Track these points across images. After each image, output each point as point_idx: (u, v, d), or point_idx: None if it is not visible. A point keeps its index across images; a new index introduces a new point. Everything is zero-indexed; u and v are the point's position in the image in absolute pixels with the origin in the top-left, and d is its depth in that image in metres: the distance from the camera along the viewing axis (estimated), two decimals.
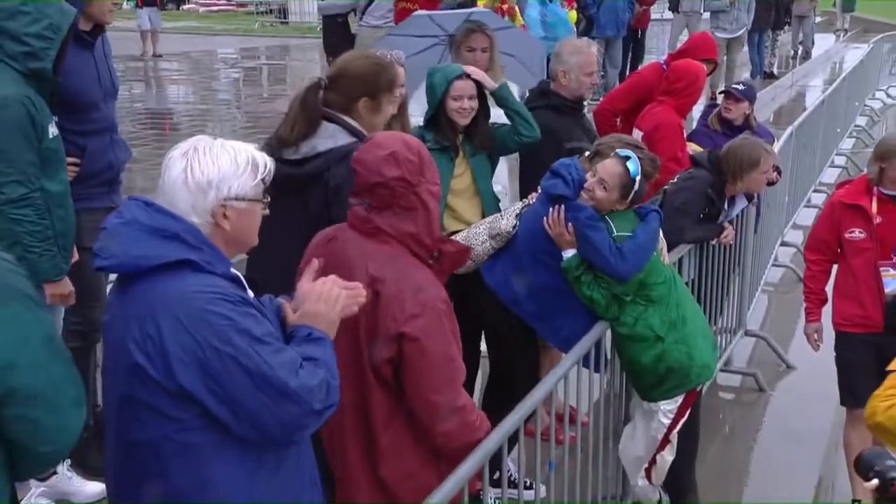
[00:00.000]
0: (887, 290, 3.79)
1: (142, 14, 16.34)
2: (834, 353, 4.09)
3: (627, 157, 3.23)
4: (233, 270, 2.00)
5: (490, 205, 3.87)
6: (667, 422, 3.40)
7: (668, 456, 3.47)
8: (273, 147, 2.98)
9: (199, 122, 11.42)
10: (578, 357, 3.05)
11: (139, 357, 1.89)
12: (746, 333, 5.62)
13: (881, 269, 3.81)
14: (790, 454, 4.53)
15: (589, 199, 3.25)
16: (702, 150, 4.77)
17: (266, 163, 2.04)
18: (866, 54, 13.58)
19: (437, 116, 3.76)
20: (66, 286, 3.21)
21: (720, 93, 5.27)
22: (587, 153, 3.45)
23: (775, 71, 15.45)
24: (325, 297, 2.08)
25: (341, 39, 9.17)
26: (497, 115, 3.89)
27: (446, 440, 2.38)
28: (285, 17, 25.01)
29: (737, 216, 4.65)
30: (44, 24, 3.02)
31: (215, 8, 28.51)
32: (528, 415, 2.64)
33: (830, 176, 9.96)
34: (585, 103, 4.45)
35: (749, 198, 4.57)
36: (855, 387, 3.88)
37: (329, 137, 2.97)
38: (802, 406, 4.99)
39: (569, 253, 3.27)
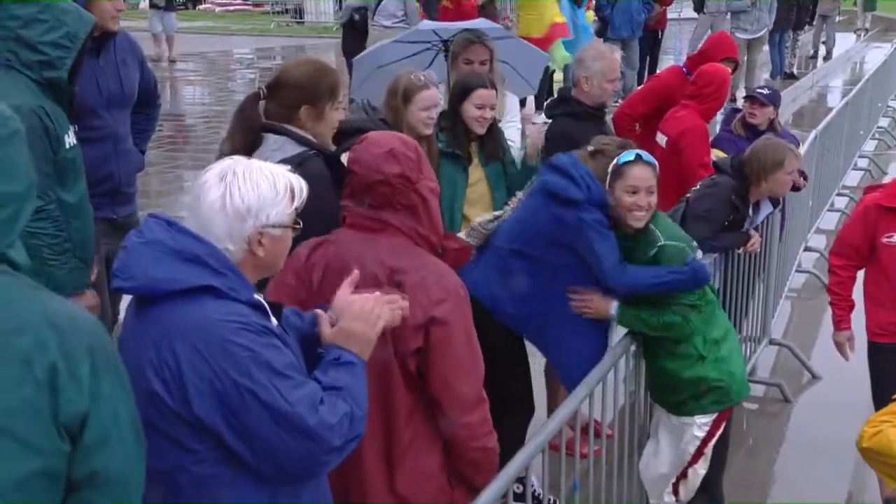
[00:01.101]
0: None
1: (153, 17, 15.92)
2: (868, 364, 3.96)
3: (639, 155, 3.22)
4: (256, 296, 1.93)
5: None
6: (702, 435, 3.32)
7: (700, 470, 3.40)
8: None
9: (215, 123, 11.39)
10: (604, 374, 2.97)
11: (156, 384, 1.83)
12: (770, 342, 5.51)
13: None
14: (816, 467, 4.42)
15: (644, 216, 3.17)
16: (725, 155, 4.69)
17: (302, 188, 1.98)
18: (889, 54, 13.38)
19: (453, 122, 3.70)
20: (89, 299, 3.16)
21: (744, 98, 5.16)
22: (589, 148, 3.35)
23: (795, 71, 15.28)
24: (364, 316, 2.02)
25: (356, 41, 9.13)
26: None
27: (468, 434, 2.33)
28: (301, 17, 25.00)
29: (762, 222, 4.56)
30: (61, 32, 2.98)
31: (231, 8, 28.53)
32: (553, 434, 2.56)
33: (853, 179, 9.81)
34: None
35: (774, 203, 4.48)
36: (888, 399, 3.78)
37: (277, 150, 2.84)
38: (828, 417, 4.87)
39: (613, 307, 3.22)
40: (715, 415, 3.32)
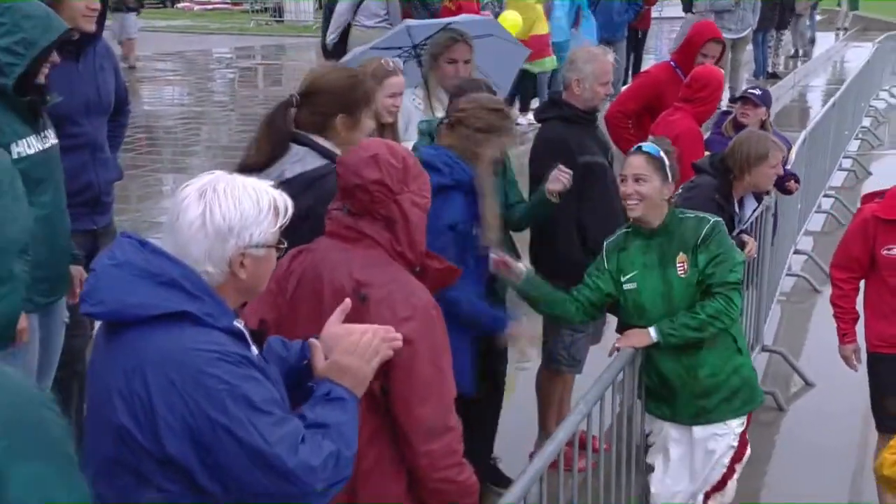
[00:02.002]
0: None
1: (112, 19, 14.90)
2: (868, 375, 3.88)
3: (640, 146, 3.17)
4: (236, 323, 1.79)
5: (507, 238, 3.66)
6: (736, 444, 3.27)
7: (735, 477, 3.37)
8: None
9: (195, 125, 11.22)
10: (602, 392, 2.86)
11: (125, 417, 1.69)
12: (763, 349, 5.43)
13: None
14: (813, 476, 4.33)
15: (637, 204, 3.13)
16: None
17: (287, 205, 1.85)
18: (872, 54, 13.40)
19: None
20: (21, 321, 2.84)
21: (737, 99, 5.07)
22: (446, 120, 3.24)
23: (779, 71, 15.28)
24: (360, 350, 1.89)
25: (339, 40, 8.97)
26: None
27: (429, 463, 2.16)
28: (280, 16, 24.79)
29: (753, 226, 4.47)
30: (16, 37, 2.81)
31: (210, 6, 28.26)
32: (551, 459, 2.45)
33: (838, 179, 9.79)
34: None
35: (758, 198, 4.39)
36: (890, 411, 3.71)
37: (297, 162, 2.71)
38: (823, 425, 4.80)
39: (652, 332, 3.16)
40: (745, 417, 3.30)
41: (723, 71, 4.74)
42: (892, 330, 3.69)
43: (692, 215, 3.29)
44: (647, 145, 3.21)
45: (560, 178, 3.47)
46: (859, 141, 11.66)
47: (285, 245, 1.87)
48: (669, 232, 3.22)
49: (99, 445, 1.76)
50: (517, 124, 10.49)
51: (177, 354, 1.69)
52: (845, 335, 3.86)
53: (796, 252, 7.17)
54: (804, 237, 7.66)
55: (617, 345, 3.19)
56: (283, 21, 24.49)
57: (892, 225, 3.64)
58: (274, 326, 2.29)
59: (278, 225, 1.83)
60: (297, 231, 2.36)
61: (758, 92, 5.10)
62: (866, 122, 12.55)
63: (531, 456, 4.11)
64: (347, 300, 2.03)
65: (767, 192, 4.52)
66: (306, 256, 2.32)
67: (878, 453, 3.89)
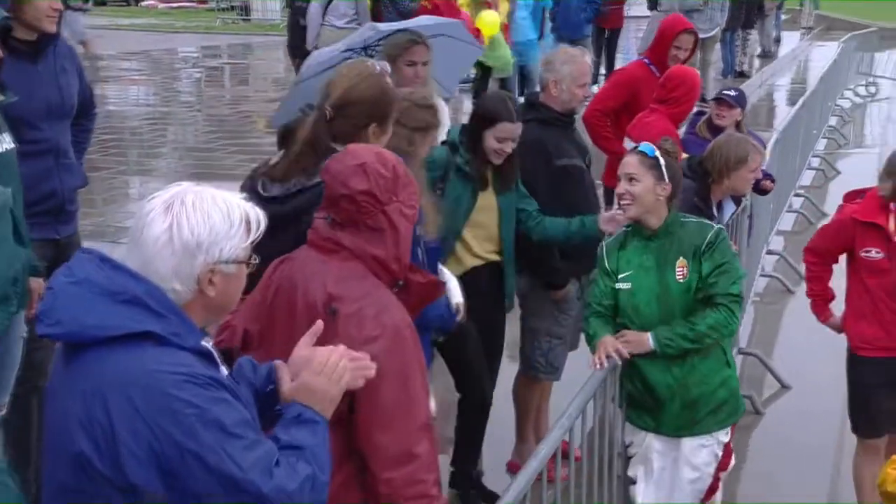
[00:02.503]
0: None
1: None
2: (847, 376, 3.85)
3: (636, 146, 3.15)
4: (204, 343, 1.70)
5: (510, 250, 3.64)
6: (720, 454, 3.25)
7: (718, 495, 3.35)
8: (255, 181, 2.70)
9: (161, 125, 11.03)
10: (584, 405, 2.78)
11: (84, 444, 1.59)
12: (739, 352, 5.41)
13: None
14: (794, 479, 4.30)
15: (629, 205, 3.12)
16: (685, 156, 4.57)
17: (259, 219, 1.76)
18: (838, 54, 13.53)
19: (473, 145, 3.52)
20: None
21: (711, 99, 5.04)
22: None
23: (746, 70, 15.37)
24: (327, 371, 1.79)
25: (304, 40, 8.88)
26: None
27: (390, 492, 2.06)
28: (247, 14, 24.55)
29: (729, 228, 4.43)
30: None
31: (175, 4, 27.92)
32: (536, 475, 2.37)
33: (807, 178, 9.84)
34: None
35: (737, 201, 4.36)
36: (871, 415, 3.69)
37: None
38: (800, 427, 4.78)
39: (649, 339, 3.11)
40: (729, 428, 3.29)
41: (697, 71, 4.69)
42: (871, 331, 3.67)
43: (694, 220, 3.26)
44: (644, 144, 3.18)
45: (616, 220, 3.38)
46: (826, 140, 11.76)
47: (257, 261, 1.78)
48: (669, 234, 3.16)
49: (56, 472, 1.66)
50: None
51: (140, 377, 1.59)
52: (822, 313, 3.88)
53: (768, 252, 7.18)
54: (776, 237, 7.68)
55: (614, 346, 3.08)
56: (249, 20, 24.25)
57: (870, 227, 3.62)
58: (257, 338, 2.21)
59: (250, 240, 1.74)
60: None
61: (733, 93, 5.07)
62: (832, 121, 12.67)
63: (508, 465, 4.06)
64: (319, 322, 1.93)
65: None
66: (286, 266, 2.24)
67: (857, 460, 3.89)
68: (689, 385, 3.17)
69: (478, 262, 3.58)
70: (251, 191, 2.75)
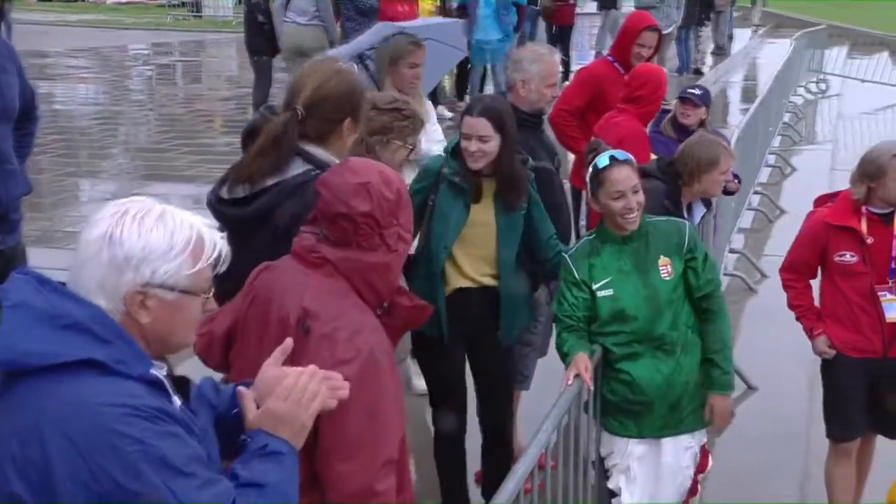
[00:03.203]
0: (889, 314, 3.53)
1: None
2: (822, 378, 3.81)
3: (613, 156, 3.11)
4: (153, 371, 1.55)
5: (509, 276, 3.33)
6: (699, 456, 3.23)
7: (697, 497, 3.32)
8: (221, 184, 2.59)
9: (112, 125, 10.74)
10: (559, 421, 2.69)
11: (17, 484, 1.44)
12: None
13: (879, 293, 3.54)
14: (762, 481, 4.28)
15: (637, 216, 3.09)
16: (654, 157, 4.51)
17: (216, 246, 1.60)
18: (792, 51, 13.67)
19: (458, 151, 3.29)
20: None
21: (676, 98, 4.99)
22: None
23: (700, 67, 15.47)
24: (296, 395, 1.66)
25: (266, 38, 8.72)
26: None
27: None
28: (199, 11, 24.16)
29: (698, 229, 4.38)
30: None
31: (124, 0, 27.37)
32: (515, 495, 2.27)
33: (763, 175, 9.90)
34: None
35: (707, 204, 4.32)
36: (846, 418, 3.66)
37: (286, 171, 2.55)
38: (769, 429, 4.76)
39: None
40: (705, 429, 3.28)
41: (664, 71, 4.64)
42: (847, 335, 3.63)
43: (663, 219, 3.25)
44: (620, 153, 3.13)
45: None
46: (780, 137, 11.86)
47: (209, 295, 1.63)
48: (642, 236, 3.14)
49: None
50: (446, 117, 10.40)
51: (80, 411, 1.44)
52: (815, 330, 3.74)
53: (731, 251, 7.18)
54: (737, 235, 7.69)
55: (585, 365, 3.00)
56: (201, 16, 23.86)
57: (843, 231, 3.58)
58: (233, 350, 2.08)
59: (197, 267, 1.57)
60: (284, 242, 2.21)
61: (697, 92, 5.05)
62: (786, 117, 12.79)
63: (476, 475, 3.95)
64: (289, 340, 1.80)
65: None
66: (266, 275, 2.12)
67: (829, 461, 3.86)
68: (675, 381, 3.14)
69: (468, 284, 3.33)
70: (214, 195, 2.62)
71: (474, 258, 3.33)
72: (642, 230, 3.14)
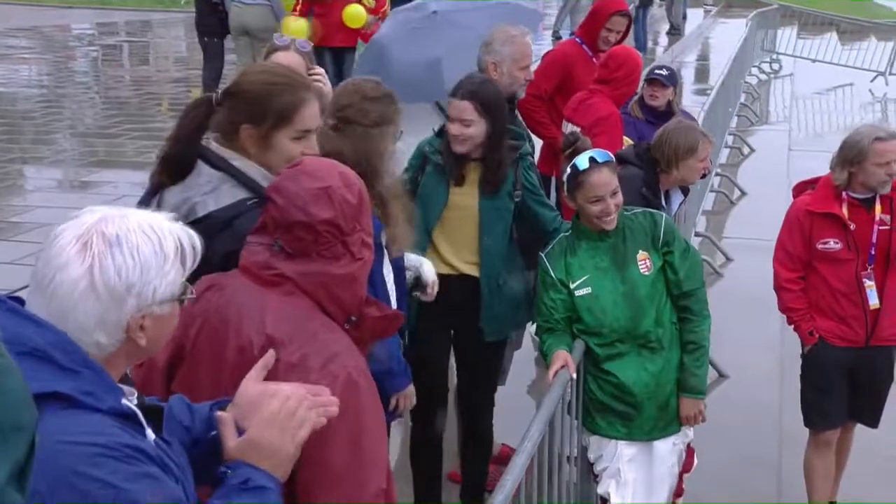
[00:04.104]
0: (872, 301, 3.47)
1: None
2: (801, 369, 3.74)
3: (593, 158, 2.98)
4: (125, 401, 1.38)
5: (492, 266, 3.20)
6: (685, 455, 3.17)
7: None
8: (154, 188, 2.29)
9: (56, 108, 10.35)
10: (543, 429, 2.56)
11: None
12: None
13: (863, 279, 3.48)
14: (739, 469, 4.23)
15: (615, 217, 3.00)
16: (629, 141, 4.40)
17: (194, 245, 1.45)
18: (748, 31, 13.72)
19: (444, 135, 3.16)
20: None
21: (644, 80, 4.87)
22: (330, 122, 2.67)
23: (651, 47, 15.46)
24: (281, 422, 1.50)
25: (219, 18, 8.48)
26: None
27: None
28: None
29: (674, 216, 4.29)
30: None
31: None
32: (513, 490, 2.15)
33: (723, 156, 9.90)
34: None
35: (685, 191, 4.23)
36: (825, 407, 3.60)
37: (209, 194, 2.16)
38: (743, 417, 4.70)
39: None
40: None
41: (639, 53, 4.52)
42: (830, 324, 3.57)
43: (639, 211, 3.14)
44: (600, 154, 3.02)
45: None
46: (737, 118, 11.88)
47: (192, 295, 1.48)
48: (620, 230, 3.04)
49: None
50: None
51: (43, 451, 1.26)
52: (811, 334, 3.62)
53: (696, 235, 7.14)
54: (699, 217, 7.66)
55: (565, 361, 2.90)
56: None
57: (826, 218, 3.51)
58: (179, 380, 1.87)
59: (187, 272, 1.44)
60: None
61: (665, 72, 4.96)
62: (741, 98, 12.82)
63: (450, 475, 3.82)
64: (271, 352, 1.63)
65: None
66: (214, 295, 1.89)
67: (808, 451, 3.81)
68: (663, 380, 3.06)
69: (447, 271, 3.19)
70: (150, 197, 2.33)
71: (455, 244, 3.21)
72: (619, 225, 3.05)
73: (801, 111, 13.54)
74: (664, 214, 3.16)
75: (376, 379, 1.89)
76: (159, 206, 2.27)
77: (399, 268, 2.93)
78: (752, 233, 7.60)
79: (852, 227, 3.46)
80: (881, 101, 14.67)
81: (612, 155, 3.05)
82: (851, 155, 3.42)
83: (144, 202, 2.31)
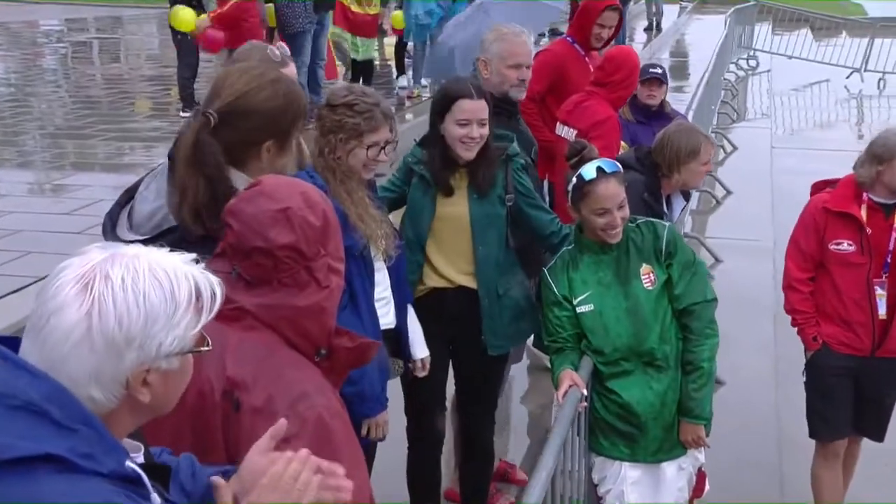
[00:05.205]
0: (880, 310, 3.37)
1: None
2: (806, 376, 3.64)
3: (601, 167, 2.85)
4: (129, 463, 1.22)
5: (489, 275, 3.04)
6: (695, 478, 3.03)
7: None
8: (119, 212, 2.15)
9: (24, 108, 10.06)
10: (559, 450, 2.42)
11: None
12: None
13: (875, 287, 3.38)
14: (739, 476, 4.13)
15: (620, 231, 2.87)
16: (625, 145, 4.29)
17: (214, 290, 1.29)
18: (728, 27, 13.69)
19: (433, 141, 2.98)
20: None
21: (640, 80, 4.74)
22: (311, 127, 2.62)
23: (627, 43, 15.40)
24: (284, 485, 1.35)
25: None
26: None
27: None
28: None
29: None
30: None
31: None
32: None
33: None
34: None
35: (686, 196, 4.11)
36: (830, 417, 3.50)
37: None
38: (741, 424, 4.61)
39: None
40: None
41: (637, 53, 4.40)
42: (836, 330, 3.47)
43: (642, 221, 2.99)
44: (607, 164, 2.89)
45: None
46: (718, 115, 11.84)
47: (209, 348, 1.32)
48: (623, 243, 2.90)
49: None
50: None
51: None
52: (815, 339, 3.52)
53: (685, 235, 7.05)
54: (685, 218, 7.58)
55: (572, 380, 2.77)
56: None
57: (842, 218, 3.40)
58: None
59: (202, 322, 1.27)
60: None
61: (660, 71, 4.86)
62: (721, 95, 12.79)
63: (446, 493, 3.68)
64: (283, 421, 1.46)
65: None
66: None
67: (815, 461, 3.71)
68: (668, 400, 2.92)
69: (443, 284, 3.06)
70: (111, 227, 2.18)
71: (449, 255, 3.06)
72: (622, 237, 2.91)
73: (780, 108, 13.54)
74: (667, 225, 3.03)
75: (345, 401, 1.76)
76: (130, 216, 2.16)
77: (399, 271, 2.79)
78: (738, 233, 7.54)
79: (868, 230, 3.36)
80: (857, 98, 14.76)
81: (619, 165, 2.91)
82: (881, 152, 3.31)
83: (114, 214, 2.20)
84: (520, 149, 3.26)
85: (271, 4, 8.43)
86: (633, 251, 2.91)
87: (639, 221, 2.99)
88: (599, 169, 2.85)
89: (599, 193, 2.82)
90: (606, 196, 2.82)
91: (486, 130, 2.96)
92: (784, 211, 7.77)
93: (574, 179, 2.87)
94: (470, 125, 2.93)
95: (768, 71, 15.98)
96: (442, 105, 2.98)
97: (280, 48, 3.20)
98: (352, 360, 1.81)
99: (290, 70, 2.98)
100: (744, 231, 7.61)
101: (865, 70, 15.45)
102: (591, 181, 2.83)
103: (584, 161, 2.89)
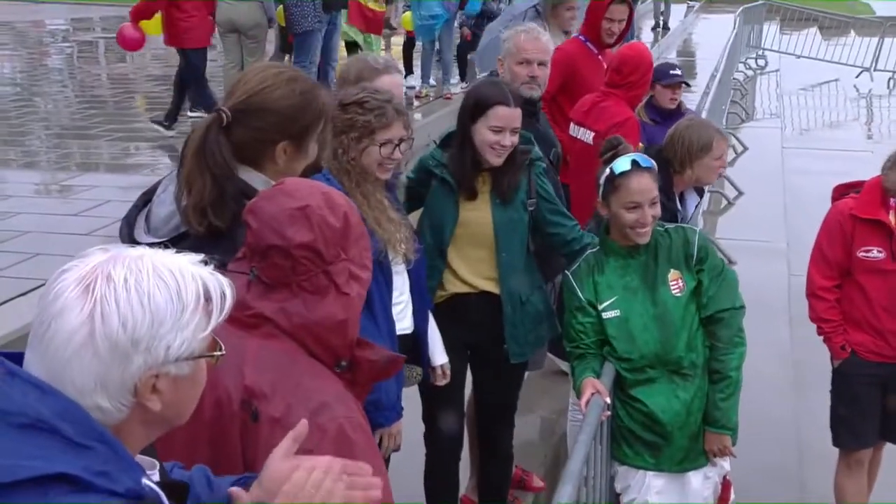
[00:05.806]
0: None
1: None
2: (832, 384, 3.56)
3: (636, 161, 2.79)
4: (146, 481, 1.16)
5: (512, 282, 2.97)
6: (720, 488, 2.97)
7: None
8: (136, 215, 2.10)
9: (30, 108, 10.01)
10: (585, 459, 2.36)
11: None
12: None
13: None
14: (758, 483, 4.05)
15: (650, 230, 2.80)
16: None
17: (223, 291, 1.22)
18: (738, 27, 13.62)
19: (461, 143, 2.91)
20: None
21: (663, 84, 4.64)
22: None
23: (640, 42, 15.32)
24: (306, 494, 1.28)
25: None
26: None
27: None
28: None
29: (688, 219, 4.11)
30: None
31: None
32: None
33: None
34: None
35: (700, 192, 4.04)
36: (857, 426, 3.43)
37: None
38: (757, 434, 4.52)
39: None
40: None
41: (650, 51, 4.32)
42: (865, 338, 3.40)
43: (671, 226, 2.93)
44: (643, 159, 2.81)
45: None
46: (728, 115, 11.76)
47: (222, 353, 1.25)
48: (651, 247, 2.83)
49: None
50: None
51: None
52: (843, 348, 3.45)
53: None
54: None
55: (594, 388, 2.71)
56: None
57: (871, 224, 3.32)
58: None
59: (212, 325, 1.21)
60: None
61: (679, 72, 4.78)
62: (730, 94, 12.71)
63: (462, 500, 3.62)
64: (304, 422, 1.39)
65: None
66: None
67: (839, 471, 3.63)
68: (695, 412, 2.86)
69: (465, 290, 3.00)
70: (128, 231, 2.13)
71: (470, 260, 3.00)
72: (650, 240, 2.84)
73: (789, 107, 13.45)
74: (697, 230, 2.97)
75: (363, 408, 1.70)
76: (148, 219, 2.12)
77: (419, 275, 2.73)
78: (750, 234, 7.46)
79: None
80: (867, 97, 14.67)
81: (654, 164, 2.83)
82: None
83: (132, 217, 2.16)
84: (542, 148, 3.23)
85: (280, 4, 8.37)
86: (662, 256, 2.84)
87: (667, 226, 2.93)
88: (634, 162, 2.79)
89: (632, 187, 2.76)
90: (639, 190, 2.76)
91: (517, 138, 2.91)
92: (796, 212, 7.71)
93: (606, 171, 2.81)
94: (503, 132, 2.87)
95: (777, 70, 15.88)
96: (476, 108, 2.91)
97: (385, 59, 3.08)
98: (374, 374, 1.75)
99: (391, 79, 2.90)
100: (756, 232, 7.54)
101: (875, 69, 15.36)
102: (624, 174, 2.77)
103: (618, 157, 2.83)
